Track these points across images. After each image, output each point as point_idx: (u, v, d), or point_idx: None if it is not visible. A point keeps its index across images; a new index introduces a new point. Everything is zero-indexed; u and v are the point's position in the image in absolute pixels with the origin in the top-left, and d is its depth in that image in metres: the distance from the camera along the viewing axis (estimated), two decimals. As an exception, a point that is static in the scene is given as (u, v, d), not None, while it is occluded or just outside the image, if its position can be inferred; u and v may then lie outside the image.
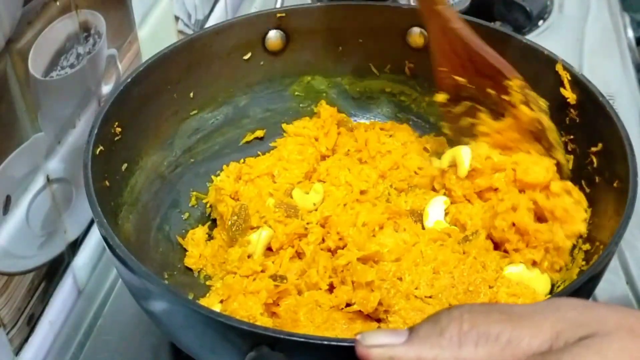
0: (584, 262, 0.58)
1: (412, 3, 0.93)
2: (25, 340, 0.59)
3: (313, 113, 0.76)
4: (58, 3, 0.57)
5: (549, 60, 0.64)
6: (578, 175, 0.63)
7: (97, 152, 0.56)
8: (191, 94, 0.69)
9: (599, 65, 0.95)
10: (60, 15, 0.58)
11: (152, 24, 0.76)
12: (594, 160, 0.61)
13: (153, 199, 0.65)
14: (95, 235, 0.69)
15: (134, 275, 0.48)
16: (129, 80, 0.61)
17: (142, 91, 0.63)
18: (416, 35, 0.73)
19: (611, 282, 0.69)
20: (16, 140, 0.54)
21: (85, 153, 0.55)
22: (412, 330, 0.37)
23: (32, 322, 0.60)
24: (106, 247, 0.51)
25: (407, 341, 0.36)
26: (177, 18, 0.83)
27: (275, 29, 0.72)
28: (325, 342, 0.43)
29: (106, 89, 0.68)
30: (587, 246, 0.59)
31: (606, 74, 0.92)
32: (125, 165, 0.61)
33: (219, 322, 0.44)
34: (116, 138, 0.60)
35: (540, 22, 1.03)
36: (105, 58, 0.67)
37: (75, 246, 0.66)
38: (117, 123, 0.60)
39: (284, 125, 0.75)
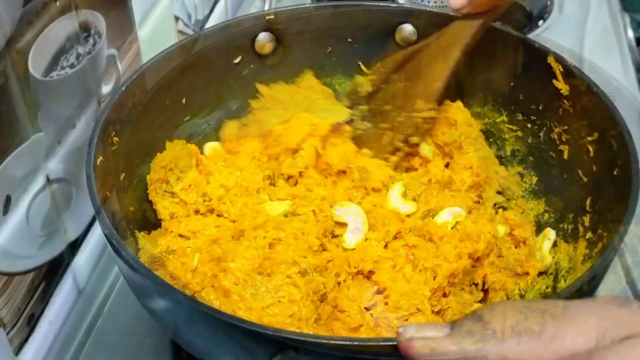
0: (587, 251, 0.58)
1: (400, 1, 0.93)
2: (25, 340, 0.59)
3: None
4: (58, 3, 0.57)
5: (541, 53, 0.65)
6: (574, 164, 0.64)
7: (98, 163, 0.56)
8: (183, 100, 0.69)
9: (599, 65, 0.95)
10: (60, 16, 0.58)
11: (152, 24, 0.76)
12: (590, 149, 0.61)
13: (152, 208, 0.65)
14: (95, 235, 0.69)
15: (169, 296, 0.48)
16: (124, 88, 0.61)
17: (136, 99, 0.62)
18: (405, 33, 0.73)
19: (611, 282, 0.70)
20: (16, 140, 0.54)
21: (87, 164, 0.55)
22: (453, 324, 0.37)
23: (32, 322, 0.60)
24: (127, 269, 0.50)
25: (450, 334, 0.37)
26: (177, 18, 0.83)
27: (265, 31, 0.72)
28: (349, 343, 0.43)
29: (106, 89, 0.68)
30: (589, 234, 0.59)
31: (606, 74, 0.92)
32: (123, 175, 0.61)
33: (241, 327, 0.43)
34: (113, 148, 0.59)
35: (540, 22, 1.03)
36: (105, 58, 0.67)
37: (75, 246, 0.66)
38: (114, 133, 0.59)
39: (258, 86, 0.74)
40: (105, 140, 0.58)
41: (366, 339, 0.48)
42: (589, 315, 0.34)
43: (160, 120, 0.67)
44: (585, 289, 0.48)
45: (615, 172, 0.57)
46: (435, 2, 1.01)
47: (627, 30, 1.05)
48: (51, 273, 0.62)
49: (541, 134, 0.68)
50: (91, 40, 0.63)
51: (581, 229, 0.61)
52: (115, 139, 0.59)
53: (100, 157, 0.56)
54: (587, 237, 0.59)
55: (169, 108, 0.68)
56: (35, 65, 0.55)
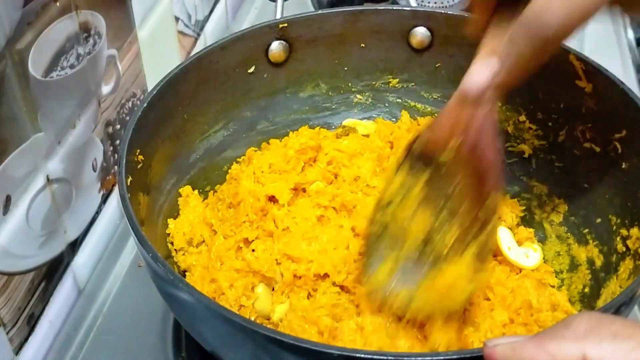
0: (624, 248, 0.59)
1: (412, 4, 0.93)
2: (25, 339, 0.59)
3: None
4: (58, 4, 0.57)
5: (561, 52, 0.64)
6: (601, 163, 0.64)
7: (129, 184, 0.55)
8: (201, 113, 0.69)
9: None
10: (60, 16, 0.58)
11: (152, 24, 0.76)
12: (618, 146, 0.61)
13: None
14: (95, 235, 0.70)
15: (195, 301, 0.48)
16: (145, 105, 0.60)
17: (156, 115, 0.62)
18: (419, 36, 0.73)
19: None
20: (16, 140, 0.55)
21: (120, 185, 0.54)
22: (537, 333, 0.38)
23: (32, 322, 0.60)
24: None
25: (531, 337, 0.37)
26: (177, 18, 0.83)
27: (278, 39, 0.71)
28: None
29: (106, 89, 0.68)
30: (624, 231, 0.60)
31: (606, 74, 0.92)
32: (145, 194, 0.60)
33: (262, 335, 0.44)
34: (139, 166, 0.59)
35: (540, 23, 1.03)
36: (105, 58, 0.67)
37: (75, 246, 0.66)
38: (138, 151, 0.59)
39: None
40: (131, 159, 0.57)
41: (423, 354, 0.48)
42: None
43: (179, 135, 0.66)
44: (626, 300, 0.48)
45: None
46: (435, 3, 1.01)
47: (627, 30, 1.05)
48: (51, 273, 0.62)
49: (563, 132, 0.68)
50: (91, 41, 0.63)
51: (613, 227, 0.61)
52: (140, 157, 0.59)
53: (130, 177, 0.56)
54: (620, 233, 0.60)
55: (187, 122, 0.67)
56: (35, 66, 0.55)
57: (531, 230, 0.67)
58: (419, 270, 0.55)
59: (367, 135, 0.74)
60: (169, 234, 0.64)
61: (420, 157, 0.54)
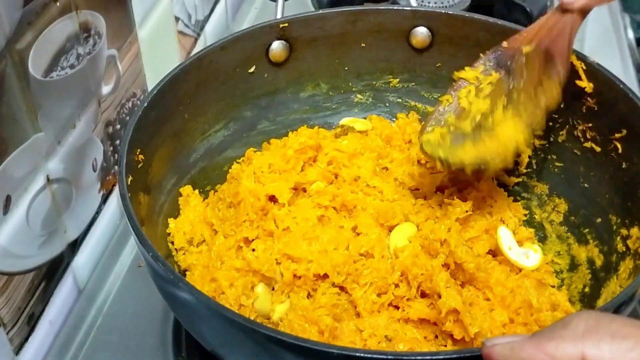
0: (624, 248, 0.59)
1: (413, 3, 0.93)
2: (26, 339, 0.59)
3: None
4: (58, 4, 0.57)
5: None
6: (601, 163, 0.64)
7: (129, 183, 0.55)
8: (201, 113, 0.69)
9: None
10: (60, 16, 0.58)
11: (152, 24, 0.76)
12: (619, 146, 0.61)
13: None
14: (95, 235, 0.70)
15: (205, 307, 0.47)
16: (146, 104, 0.60)
17: (157, 115, 0.62)
18: (419, 36, 0.73)
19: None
20: (16, 140, 0.55)
21: (120, 184, 0.54)
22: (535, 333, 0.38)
23: (32, 322, 0.60)
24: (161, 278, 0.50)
25: (529, 336, 0.38)
26: (177, 18, 0.83)
27: (279, 39, 0.71)
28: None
29: (106, 89, 0.68)
30: (624, 231, 0.60)
31: (606, 74, 0.92)
32: (146, 194, 0.60)
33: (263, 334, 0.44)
34: (139, 166, 0.59)
35: (541, 22, 1.03)
36: (105, 58, 0.67)
37: (75, 246, 0.66)
38: (138, 150, 0.59)
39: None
40: (131, 159, 0.57)
41: (428, 353, 0.49)
42: None
43: (180, 135, 0.67)
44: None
45: None
46: (435, 3, 1.01)
47: (627, 30, 1.05)
48: (51, 273, 0.62)
49: (563, 132, 0.68)
50: (91, 41, 0.63)
51: (613, 227, 0.61)
52: (141, 157, 0.59)
53: (130, 177, 0.56)
54: (623, 234, 0.60)
55: (188, 121, 0.67)
56: (35, 66, 0.55)
57: (531, 230, 0.67)
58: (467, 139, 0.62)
59: (365, 132, 0.74)
60: (169, 234, 0.64)
61: (498, 57, 0.63)
